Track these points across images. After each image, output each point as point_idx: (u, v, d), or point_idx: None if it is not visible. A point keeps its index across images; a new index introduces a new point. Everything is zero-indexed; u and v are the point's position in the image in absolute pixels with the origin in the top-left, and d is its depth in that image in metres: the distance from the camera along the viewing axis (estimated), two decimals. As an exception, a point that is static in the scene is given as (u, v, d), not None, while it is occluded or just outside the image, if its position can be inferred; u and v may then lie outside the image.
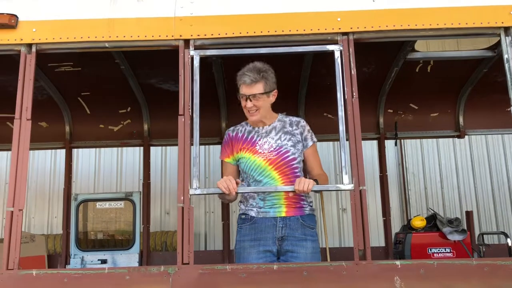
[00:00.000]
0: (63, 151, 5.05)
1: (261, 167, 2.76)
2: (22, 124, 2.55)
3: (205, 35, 2.64)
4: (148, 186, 4.86)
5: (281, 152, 2.76)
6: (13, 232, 2.40)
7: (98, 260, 4.68)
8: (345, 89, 2.55)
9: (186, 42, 2.65)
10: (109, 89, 4.44)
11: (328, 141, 5.50)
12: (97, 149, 6.63)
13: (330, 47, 2.63)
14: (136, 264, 4.62)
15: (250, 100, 2.71)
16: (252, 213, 2.75)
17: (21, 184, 2.47)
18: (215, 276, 2.35)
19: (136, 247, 4.78)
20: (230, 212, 4.91)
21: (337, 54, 2.60)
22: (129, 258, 4.70)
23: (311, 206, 2.83)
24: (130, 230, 4.96)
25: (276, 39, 2.63)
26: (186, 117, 2.55)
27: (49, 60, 3.78)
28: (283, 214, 2.71)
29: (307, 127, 2.87)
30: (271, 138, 2.81)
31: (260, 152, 2.78)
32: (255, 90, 2.70)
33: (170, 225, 6.55)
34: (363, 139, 2.59)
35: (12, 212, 2.43)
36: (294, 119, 2.89)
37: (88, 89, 4.51)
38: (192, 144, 2.54)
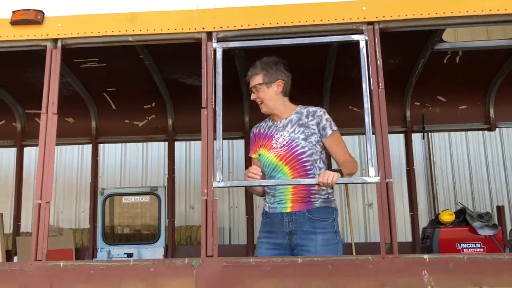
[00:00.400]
0: (90, 146, 5.13)
1: (273, 163, 2.79)
2: (48, 118, 2.59)
3: (228, 27, 2.62)
4: (172, 180, 4.89)
5: (291, 146, 2.76)
6: (41, 224, 2.44)
7: (124, 253, 4.74)
8: (371, 80, 2.49)
9: (209, 34, 2.63)
10: (134, 85, 4.49)
11: (354, 134, 5.42)
12: (123, 144, 6.72)
13: (355, 37, 2.57)
14: (162, 258, 4.66)
15: (253, 93, 2.85)
16: (266, 208, 2.86)
17: (48, 176, 2.51)
18: (239, 268, 2.34)
19: (161, 241, 4.82)
20: (254, 206, 4.90)
21: (362, 44, 2.54)
22: (154, 252, 4.75)
23: (325, 198, 2.76)
24: (155, 224, 5.01)
25: (300, 30, 2.59)
26: (209, 109, 2.54)
27: (75, 56, 3.84)
28: (289, 210, 2.73)
29: (325, 116, 2.80)
30: (286, 132, 2.81)
31: (274, 147, 2.81)
32: (254, 82, 2.83)
33: (194, 220, 6.59)
34: (389, 132, 2.52)
35: (39, 204, 2.48)
36: (312, 109, 2.84)
37: (114, 85, 4.57)
38: (215, 139, 2.53)
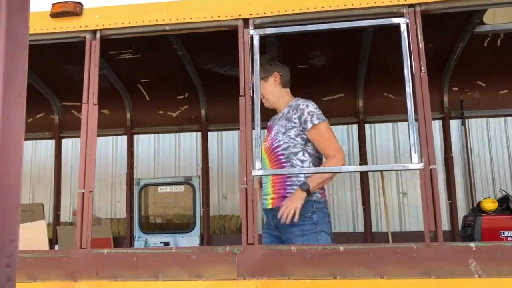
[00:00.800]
0: (123, 137, 5.20)
1: (262, 154, 2.86)
2: (89, 109, 2.63)
3: (264, 13, 2.59)
4: (206, 170, 4.92)
5: (273, 140, 2.84)
6: (84, 213, 2.49)
7: (161, 242, 4.81)
8: (413, 64, 2.43)
9: (245, 21, 2.61)
10: (167, 76, 4.51)
11: (388, 122, 5.32)
12: (156, 134, 6.78)
13: (395, 20, 2.50)
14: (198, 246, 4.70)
15: None
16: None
17: (91, 166, 2.56)
18: (280, 256, 2.33)
19: (197, 230, 4.87)
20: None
21: (403, 27, 2.48)
22: (190, 241, 4.80)
23: None
24: (190, 214, 5.06)
25: (338, 14, 2.53)
26: (247, 97, 2.53)
27: (110, 48, 3.88)
28: (270, 206, 2.82)
29: (308, 109, 2.77)
30: (278, 125, 2.89)
31: (268, 140, 2.93)
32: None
33: (227, 209, 6.62)
34: (427, 119, 2.45)
35: (83, 193, 2.52)
36: (299, 102, 2.85)
37: (147, 76, 4.60)
38: (253, 128, 2.52)
